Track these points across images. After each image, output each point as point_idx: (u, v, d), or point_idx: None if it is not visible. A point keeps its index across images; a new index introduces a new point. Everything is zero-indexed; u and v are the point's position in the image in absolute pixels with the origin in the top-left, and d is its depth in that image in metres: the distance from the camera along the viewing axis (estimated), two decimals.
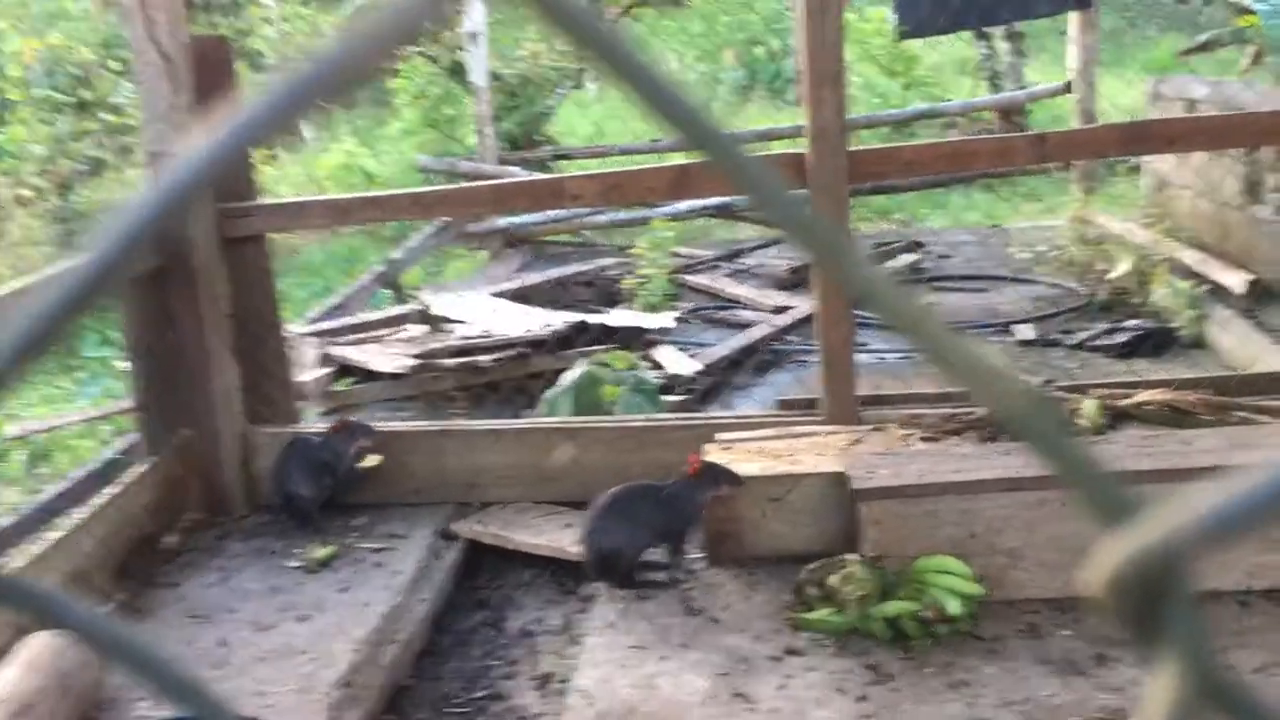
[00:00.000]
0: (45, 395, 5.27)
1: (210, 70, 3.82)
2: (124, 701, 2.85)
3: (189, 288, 3.82)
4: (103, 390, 5.84)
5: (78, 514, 3.48)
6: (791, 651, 2.86)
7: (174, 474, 3.84)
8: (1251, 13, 6.96)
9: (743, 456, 3.44)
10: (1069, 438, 0.38)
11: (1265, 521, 0.35)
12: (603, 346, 5.14)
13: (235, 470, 3.95)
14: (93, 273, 0.42)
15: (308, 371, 5.23)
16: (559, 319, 5.51)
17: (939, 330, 0.39)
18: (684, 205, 7.45)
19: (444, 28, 10.30)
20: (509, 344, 5.15)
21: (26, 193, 8.68)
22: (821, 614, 2.94)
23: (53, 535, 3.32)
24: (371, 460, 3.83)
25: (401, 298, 6.69)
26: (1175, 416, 3.44)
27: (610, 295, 6.62)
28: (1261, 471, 0.35)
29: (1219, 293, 5.28)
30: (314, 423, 4.40)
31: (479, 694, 3.05)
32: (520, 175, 7.65)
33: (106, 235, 0.41)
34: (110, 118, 8.95)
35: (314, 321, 6.01)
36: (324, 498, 3.78)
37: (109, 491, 3.57)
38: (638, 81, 0.40)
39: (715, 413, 4.60)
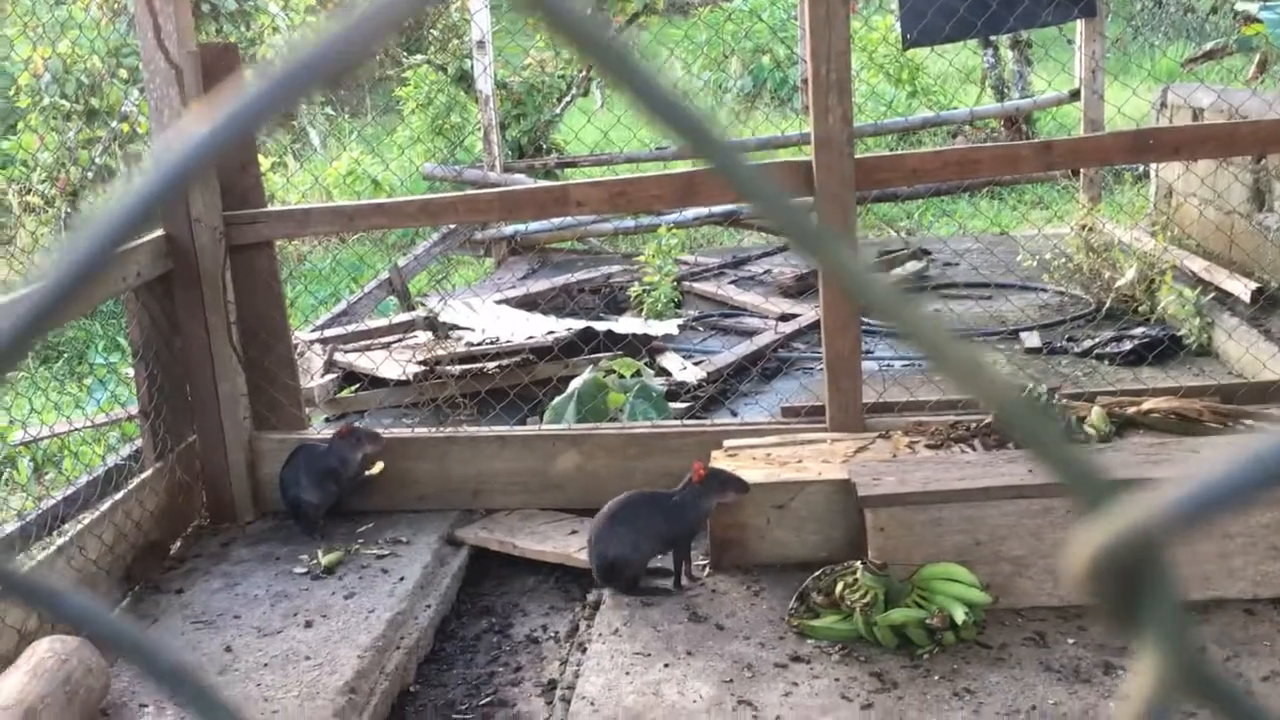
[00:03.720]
0: (53, 402, 5.28)
1: (218, 78, 3.84)
2: (128, 708, 2.86)
3: (196, 294, 3.84)
4: (110, 396, 5.85)
5: (84, 519, 3.49)
6: (796, 659, 2.86)
7: (180, 480, 3.85)
8: (1258, 21, 6.96)
9: (748, 464, 3.44)
10: (1055, 432, 0.38)
11: (1240, 505, 0.35)
12: (608, 353, 5.14)
13: (241, 476, 3.96)
14: (96, 249, 0.42)
15: (314, 378, 5.24)
16: (564, 326, 5.52)
17: (936, 332, 0.40)
18: (690, 213, 7.46)
19: (451, 36, 10.34)
20: (514, 351, 5.16)
21: (35, 200, 8.71)
22: (827, 621, 2.94)
23: (59, 541, 3.33)
24: (377, 466, 3.84)
25: (408, 305, 6.70)
26: (1182, 424, 3.44)
27: (616, 302, 6.62)
28: (1235, 457, 0.36)
29: (1225, 300, 5.27)
30: (320, 429, 4.40)
31: (484, 700, 3.05)
32: (526, 183, 7.66)
33: (109, 214, 0.42)
34: (119, 126, 8.98)
35: (320, 328, 6.02)
36: (329, 504, 3.79)
37: (115, 497, 3.58)
38: (642, 90, 0.40)
39: (721, 420, 4.60)
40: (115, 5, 9.22)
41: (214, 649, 3.12)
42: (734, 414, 4.81)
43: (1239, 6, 8.03)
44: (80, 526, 3.40)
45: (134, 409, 4.28)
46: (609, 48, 0.40)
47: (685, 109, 0.41)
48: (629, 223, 7.75)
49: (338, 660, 3.02)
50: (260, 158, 4.61)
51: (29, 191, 8.69)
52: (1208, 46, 7.89)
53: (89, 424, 5.16)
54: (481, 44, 8.41)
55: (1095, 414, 3.46)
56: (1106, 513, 0.37)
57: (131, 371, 4.06)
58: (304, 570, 3.55)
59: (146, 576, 3.55)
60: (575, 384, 4.50)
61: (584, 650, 3.01)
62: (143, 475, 3.73)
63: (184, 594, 3.46)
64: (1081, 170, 7.39)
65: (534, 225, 7.82)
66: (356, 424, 3.87)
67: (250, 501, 3.97)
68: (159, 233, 3.81)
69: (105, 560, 3.41)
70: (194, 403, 3.91)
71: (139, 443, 4.12)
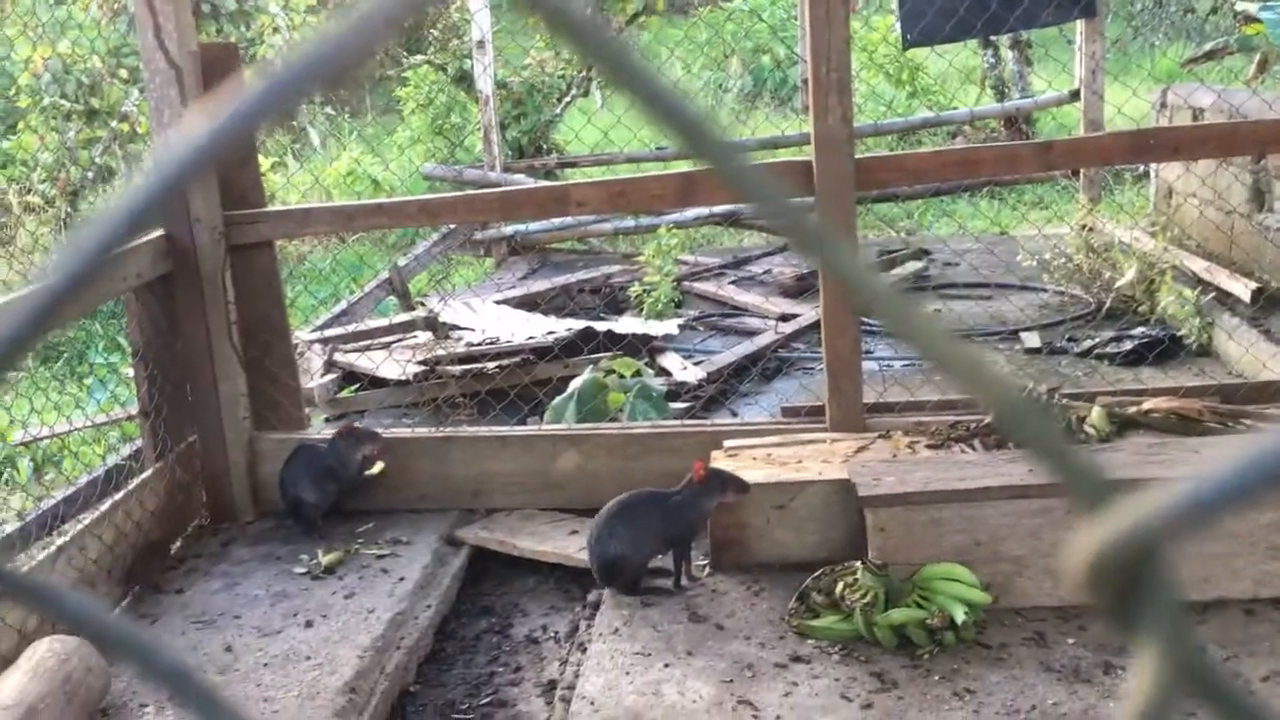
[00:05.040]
0: (53, 402, 5.28)
1: (218, 78, 3.84)
2: (128, 708, 2.86)
3: (196, 294, 3.84)
4: (110, 396, 5.85)
5: (84, 519, 3.49)
6: (797, 659, 2.86)
7: (180, 480, 3.85)
8: (1258, 21, 6.95)
9: (748, 464, 3.44)
10: (1055, 433, 0.38)
11: (1240, 506, 0.35)
12: (608, 353, 5.14)
13: (241, 476, 3.96)
14: (96, 246, 0.42)
15: (314, 378, 5.24)
16: (564, 326, 5.52)
17: (935, 332, 0.40)
18: (690, 213, 7.46)
19: (451, 36, 10.34)
20: (514, 351, 5.16)
21: (35, 200, 8.71)
22: (827, 621, 2.94)
23: (58, 541, 3.33)
24: (377, 466, 3.84)
25: (408, 305, 6.71)
26: (1182, 424, 3.44)
27: (616, 302, 6.62)
28: (1236, 457, 0.36)
29: (1226, 300, 5.27)
30: (320, 429, 4.40)
31: (484, 700, 3.05)
32: (526, 183, 7.67)
33: (112, 213, 0.42)
34: (119, 126, 8.98)
35: (321, 328, 6.02)
36: (329, 504, 3.79)
37: (115, 497, 3.58)
38: (642, 90, 0.40)
39: (721, 420, 4.60)
40: (115, 5, 9.22)
41: (214, 649, 3.12)
42: (734, 414, 4.81)
43: (1239, 6, 8.04)
44: (80, 526, 3.40)
45: (134, 409, 4.28)
46: (608, 47, 0.40)
47: (685, 109, 0.41)
48: (629, 223, 7.75)
49: (338, 660, 3.02)
50: (260, 157, 4.62)
51: (29, 191, 8.69)
52: (1208, 47, 7.89)
53: (89, 424, 5.16)
54: (481, 44, 8.41)
55: (1095, 414, 3.46)
56: (1106, 513, 0.37)
57: (131, 371, 4.06)
58: (304, 570, 3.55)
59: (147, 576, 3.55)
60: (575, 384, 4.50)
61: (584, 650, 3.01)
62: (143, 475, 3.73)
63: (184, 594, 3.46)
64: (1081, 170, 7.40)
65: (534, 225, 7.82)
66: (356, 424, 3.87)
67: (250, 501, 3.97)
68: (159, 233, 3.81)
69: (105, 560, 3.41)
70: (194, 403, 3.91)
71: (139, 443, 4.12)
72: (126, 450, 4.54)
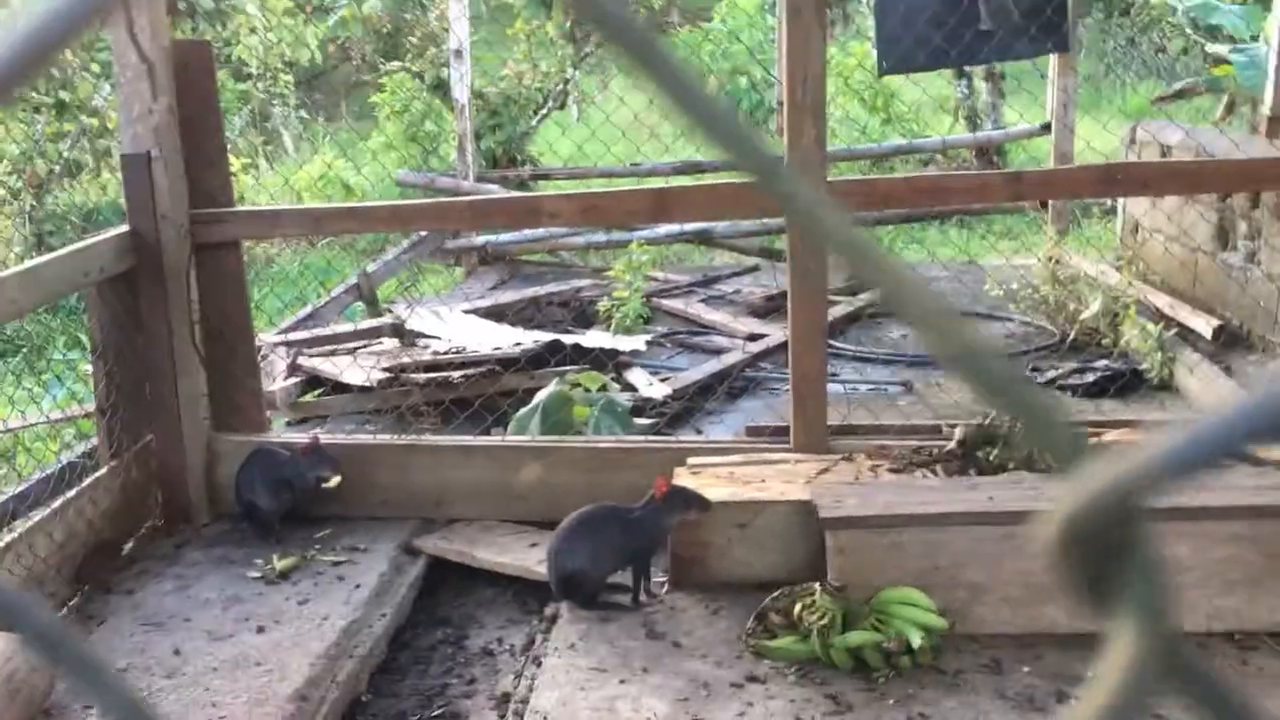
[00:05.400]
0: (8, 397, 5.20)
1: (191, 75, 3.80)
2: (71, 709, 2.80)
3: (159, 292, 3.79)
4: (68, 393, 5.76)
5: (34, 517, 3.43)
6: (752, 679, 2.85)
7: (135, 479, 3.79)
8: (1228, 63, 7.06)
9: (711, 482, 3.43)
10: (1022, 380, 0.36)
11: (1219, 459, 0.34)
12: (575, 367, 5.12)
13: (198, 478, 3.90)
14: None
15: (277, 381, 5.19)
16: (532, 338, 5.50)
17: (901, 275, 0.39)
18: (662, 229, 7.46)
19: (428, 44, 10.32)
20: (481, 361, 5.13)
21: (1, 192, 8.59)
22: (784, 642, 2.93)
23: (7, 537, 3.27)
24: (332, 481, 3.78)
25: (375, 311, 6.66)
26: None
27: (585, 316, 6.61)
28: (1213, 413, 0.34)
29: (1188, 336, 5.33)
30: (281, 433, 4.36)
31: (435, 712, 3.02)
32: (499, 193, 7.65)
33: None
34: (89, 120, 8.89)
35: (285, 331, 5.97)
36: (284, 510, 3.74)
37: (67, 495, 3.52)
38: (669, 79, 0.40)
39: (685, 437, 4.60)
40: None
41: (163, 652, 3.07)
42: (699, 432, 4.80)
43: (1210, 48, 8.17)
44: (30, 524, 3.34)
45: (91, 406, 4.21)
46: (636, 34, 0.40)
47: (709, 99, 0.40)
48: (601, 237, 7.75)
49: (288, 667, 2.98)
50: (231, 158, 4.58)
51: None
52: (1178, 86, 8.01)
53: (45, 420, 5.08)
54: (459, 53, 8.40)
55: None
56: (1078, 471, 0.35)
57: (90, 368, 4.01)
58: (258, 575, 3.50)
59: (97, 577, 3.49)
60: (540, 396, 4.48)
61: (539, 664, 2.99)
62: (97, 474, 3.67)
63: (135, 595, 3.41)
64: (1050, 203, 7.47)
65: (505, 236, 7.81)
66: (322, 443, 3.79)
67: (206, 503, 3.92)
68: (124, 228, 3.77)
69: (55, 559, 3.35)
70: (153, 402, 3.86)
71: (95, 440, 4.06)
72: (81, 448, 4.47)
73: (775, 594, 3.05)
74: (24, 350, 6.88)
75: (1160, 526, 0.35)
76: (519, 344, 5.34)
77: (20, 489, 4.08)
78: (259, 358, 4.28)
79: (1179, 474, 0.33)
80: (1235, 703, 0.36)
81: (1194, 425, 0.34)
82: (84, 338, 5.47)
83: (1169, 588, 0.35)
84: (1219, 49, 7.54)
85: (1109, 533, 0.34)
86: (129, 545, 3.74)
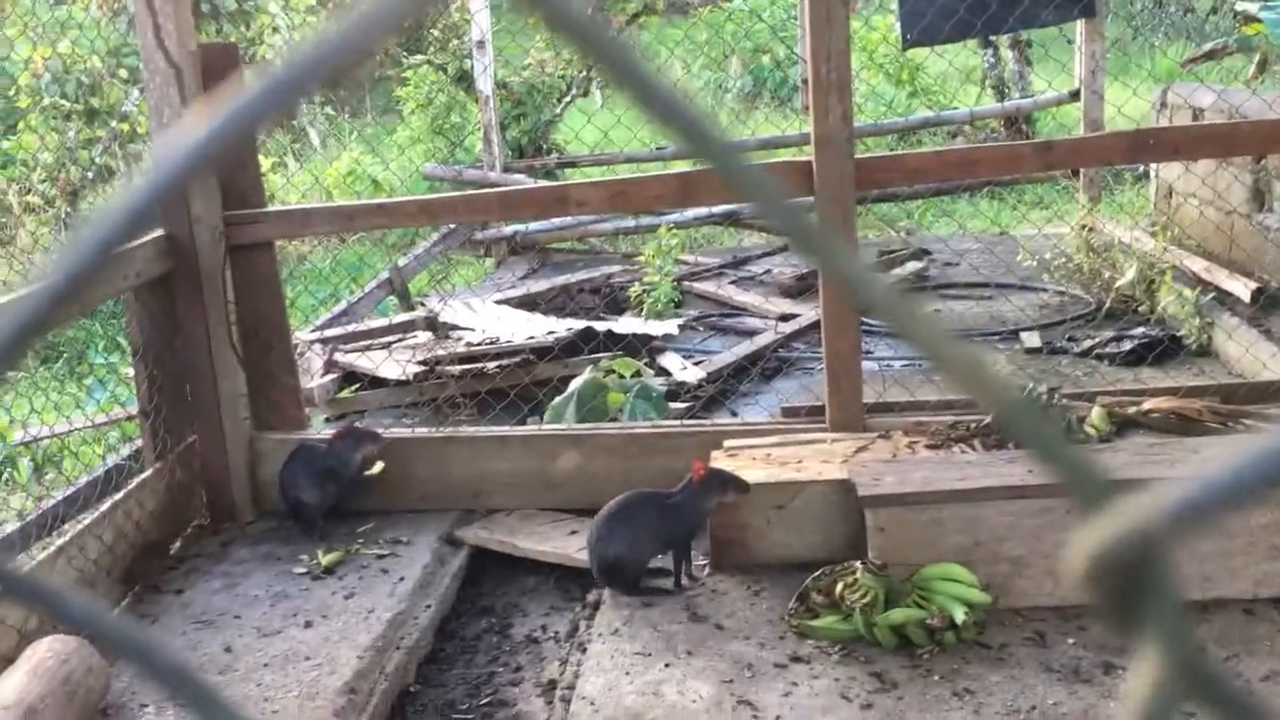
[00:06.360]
0: (53, 402, 5.29)
1: (218, 78, 3.83)
2: (128, 708, 2.86)
3: (196, 294, 3.84)
4: (110, 396, 5.85)
5: (84, 520, 3.49)
6: (796, 659, 2.86)
7: (180, 480, 3.85)
8: (1258, 21, 6.95)
9: (748, 464, 3.44)
10: (1055, 432, 0.38)
11: (1240, 506, 0.35)
12: (608, 353, 5.14)
13: (241, 476, 3.95)
14: (96, 245, 0.42)
15: (314, 378, 5.24)
16: (564, 326, 5.52)
17: (934, 332, 0.40)
18: (690, 213, 7.45)
19: (451, 36, 10.33)
20: (514, 351, 5.16)
21: (35, 200, 8.71)
22: (827, 621, 2.94)
23: (58, 541, 3.33)
24: (377, 466, 3.84)
25: (408, 305, 6.70)
26: (1182, 424, 3.44)
27: (616, 302, 6.62)
28: (1235, 457, 0.36)
29: (1225, 300, 5.27)
30: (320, 430, 4.40)
31: (484, 701, 3.05)
32: (526, 183, 7.66)
33: (112, 212, 0.42)
34: (119, 126, 8.98)
35: (320, 328, 6.02)
36: (329, 504, 3.78)
37: (115, 497, 3.57)
38: (642, 89, 0.40)
39: (721, 420, 4.60)
40: (115, 5, 9.22)
41: (214, 649, 3.12)
42: (734, 414, 4.81)
43: (1239, 6, 8.04)
44: (80, 527, 3.40)
45: (134, 409, 4.28)
46: (608, 47, 0.40)
47: (684, 108, 0.41)
48: (629, 223, 7.75)
49: (337, 660, 3.02)
50: (260, 158, 4.61)
51: (29, 191, 8.69)
52: (1207, 47, 7.89)
53: (89, 424, 5.16)
54: (481, 44, 8.41)
55: (1095, 414, 3.46)
56: (1106, 513, 0.37)
57: (131, 371, 4.06)
58: (304, 570, 3.55)
59: (146, 577, 3.55)
60: (575, 384, 4.50)
61: (584, 650, 3.01)
62: (142, 475, 3.73)
63: (184, 594, 3.46)
64: (1081, 170, 7.39)
65: (534, 225, 7.82)
66: (356, 424, 3.87)
67: (250, 501, 3.97)
68: (159, 232, 3.81)
69: (105, 560, 3.41)
70: (194, 403, 3.91)
71: (139, 443, 4.12)
72: (126, 450, 4.54)
73: (816, 574, 3.06)
74: (65, 355, 6.98)
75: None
76: (552, 333, 5.36)
77: (68, 492, 4.15)
78: (296, 356, 4.32)
79: (1196, 520, 0.35)
80: (1256, 713, 0.38)
81: (1211, 471, 0.35)
82: (124, 341, 5.55)
83: (1187, 617, 0.38)
84: (1248, 6, 7.41)
85: (1131, 570, 0.36)
86: (176, 545, 3.80)
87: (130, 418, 5.03)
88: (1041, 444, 0.38)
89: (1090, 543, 0.37)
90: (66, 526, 3.64)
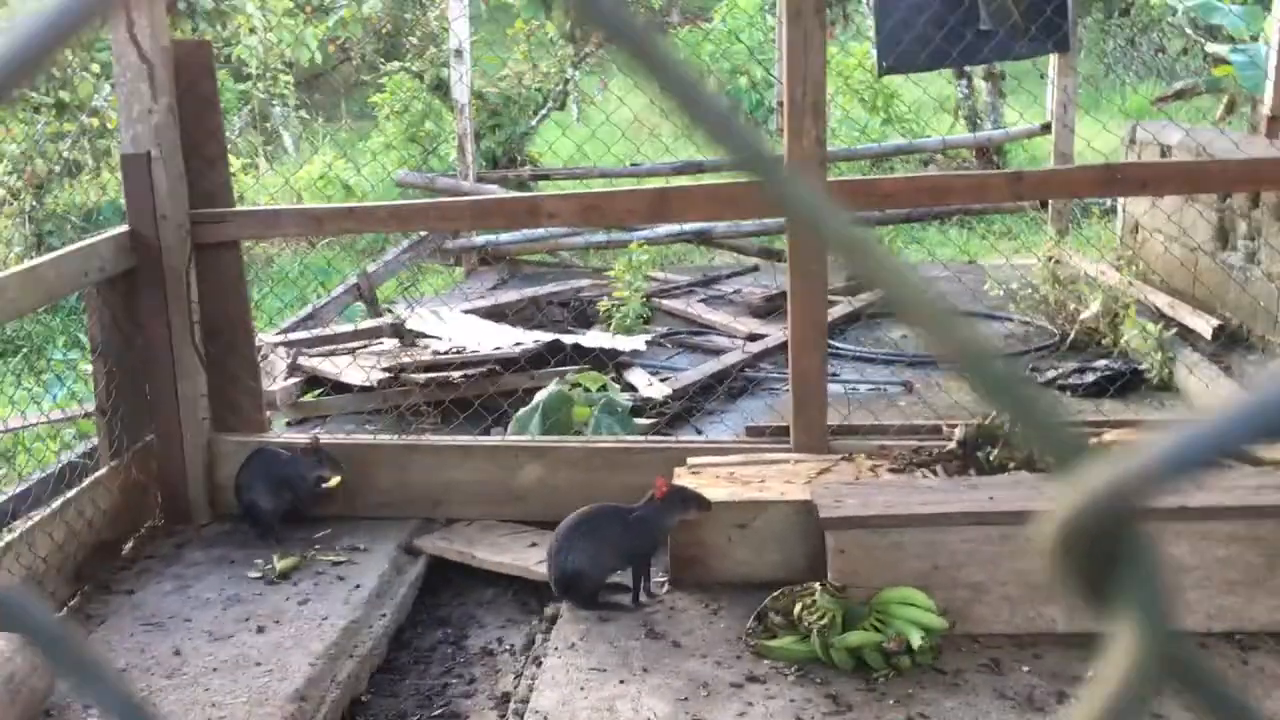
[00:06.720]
0: (9, 397, 5.20)
1: (190, 75, 3.80)
2: (72, 709, 2.80)
3: (159, 292, 3.79)
4: (68, 393, 5.77)
5: (34, 516, 3.43)
6: (753, 679, 2.85)
7: (135, 479, 3.79)
8: (1227, 63, 7.07)
9: (711, 482, 3.43)
10: (1022, 380, 0.36)
11: (1216, 461, 0.34)
12: (575, 367, 5.12)
13: (198, 478, 3.90)
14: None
15: (277, 381, 5.18)
16: (532, 337, 5.50)
17: (904, 276, 0.38)
18: (662, 229, 7.46)
19: (428, 44, 10.32)
20: (481, 360, 5.13)
21: (1, 193, 8.59)
22: (784, 642, 2.93)
23: (7, 537, 3.27)
24: (332, 481, 3.78)
25: (375, 311, 6.66)
26: None
27: (585, 316, 6.61)
28: (1210, 414, 0.34)
29: (1187, 336, 5.33)
30: (281, 433, 4.35)
31: (436, 712, 3.01)
32: (499, 193, 7.65)
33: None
34: (89, 120, 8.89)
35: (285, 331, 5.97)
36: (283, 510, 3.74)
37: (68, 495, 3.52)
38: (670, 79, 0.40)
39: (685, 437, 4.60)
40: None
41: (162, 652, 3.06)
42: (699, 432, 4.80)
43: (1210, 48, 8.17)
44: (30, 523, 3.34)
45: (91, 406, 4.21)
46: (636, 33, 0.40)
47: (709, 98, 0.40)
48: (600, 237, 7.75)
49: (289, 667, 2.98)
50: (231, 158, 4.58)
51: None
52: (1178, 86, 8.01)
53: (45, 420, 5.08)
54: (459, 53, 8.40)
55: None
56: (1078, 472, 0.34)
57: (90, 368, 4.00)
58: (258, 575, 3.50)
59: (97, 576, 3.50)
60: (540, 396, 4.48)
61: (539, 664, 2.98)
62: (97, 473, 3.67)
63: (134, 595, 3.41)
64: (1050, 202, 7.47)
65: (505, 236, 7.80)
66: (323, 442, 3.79)
67: (206, 503, 3.92)
68: (124, 228, 3.77)
69: (55, 558, 3.35)
70: (153, 402, 3.86)
71: (95, 440, 4.06)
72: (82, 448, 4.47)
73: (775, 594, 3.05)
74: (24, 350, 6.88)
75: (1161, 526, 0.35)
76: (519, 344, 5.33)
77: (20, 489, 4.08)
78: (259, 358, 4.28)
79: (1176, 475, 0.33)
80: (1235, 703, 0.35)
81: (1191, 426, 0.34)
82: (84, 337, 5.47)
83: (1169, 588, 0.34)
84: (1219, 49, 7.54)
85: (1108, 534, 0.33)
86: (129, 545, 3.74)
87: (87, 415, 4.96)
88: (1010, 395, 0.36)
89: (1060, 509, 0.34)
90: (17, 523, 3.57)
